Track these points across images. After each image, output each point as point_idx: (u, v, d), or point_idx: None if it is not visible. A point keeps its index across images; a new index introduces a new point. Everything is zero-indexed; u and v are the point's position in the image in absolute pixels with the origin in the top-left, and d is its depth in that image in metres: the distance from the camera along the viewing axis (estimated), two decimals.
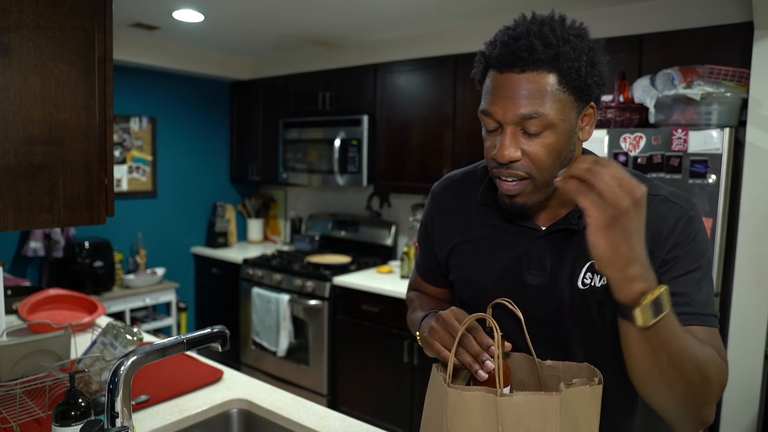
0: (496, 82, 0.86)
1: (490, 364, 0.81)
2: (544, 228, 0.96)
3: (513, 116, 0.83)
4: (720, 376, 0.80)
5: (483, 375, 0.82)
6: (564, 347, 0.96)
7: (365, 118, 3.34)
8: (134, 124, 3.82)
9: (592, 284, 0.92)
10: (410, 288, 1.24)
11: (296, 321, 3.35)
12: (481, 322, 0.87)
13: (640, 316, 0.71)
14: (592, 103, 0.88)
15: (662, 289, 0.72)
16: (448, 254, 1.08)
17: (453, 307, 0.90)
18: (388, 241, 3.63)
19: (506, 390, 0.83)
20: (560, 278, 0.94)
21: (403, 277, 3.16)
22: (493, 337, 0.83)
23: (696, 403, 0.78)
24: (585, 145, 0.99)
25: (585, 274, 0.92)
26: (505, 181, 0.89)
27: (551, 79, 0.82)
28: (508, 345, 0.86)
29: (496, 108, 0.85)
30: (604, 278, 0.91)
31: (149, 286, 3.68)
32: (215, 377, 1.54)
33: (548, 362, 0.91)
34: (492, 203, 0.99)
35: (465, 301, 1.08)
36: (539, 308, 0.95)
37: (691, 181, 2.00)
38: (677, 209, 0.90)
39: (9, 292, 2.37)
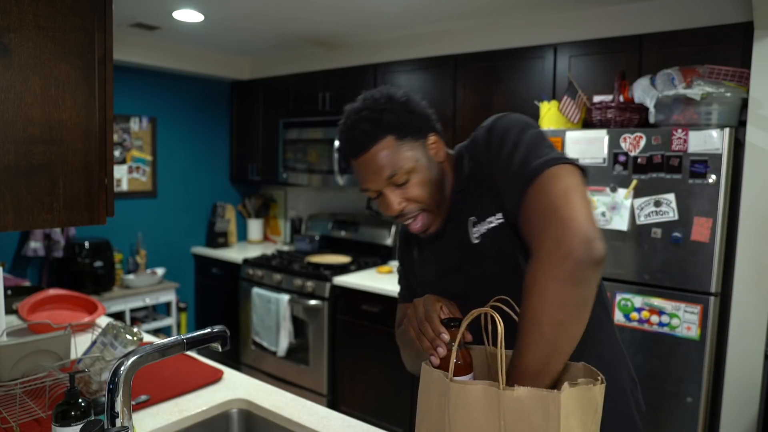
0: (358, 166, 1.03)
1: (441, 350, 0.87)
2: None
3: (381, 182, 1.01)
4: (546, 263, 0.81)
5: (435, 361, 0.87)
6: (502, 299, 0.95)
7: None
8: (134, 124, 3.82)
9: (479, 233, 1.01)
10: (398, 326, 1.24)
11: (296, 321, 3.35)
12: (479, 319, 0.88)
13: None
14: (431, 134, 1.05)
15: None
16: (413, 276, 1.21)
17: (427, 295, 0.97)
18: (388, 241, 3.63)
19: (468, 377, 0.87)
20: (463, 249, 1.04)
21: None
22: (452, 327, 0.88)
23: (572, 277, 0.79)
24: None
25: (472, 230, 1.02)
26: (409, 224, 1.05)
27: (389, 142, 0.99)
28: (468, 336, 0.91)
29: (369, 184, 1.02)
30: (485, 222, 1.00)
31: (149, 286, 3.68)
32: (215, 377, 1.54)
33: None
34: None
35: None
36: (471, 284, 1.03)
37: (691, 181, 2.00)
38: (476, 133, 1.03)
39: (9, 292, 2.37)
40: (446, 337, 0.86)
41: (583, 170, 0.91)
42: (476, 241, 1.01)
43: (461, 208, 1.05)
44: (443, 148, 1.07)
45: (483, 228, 1.00)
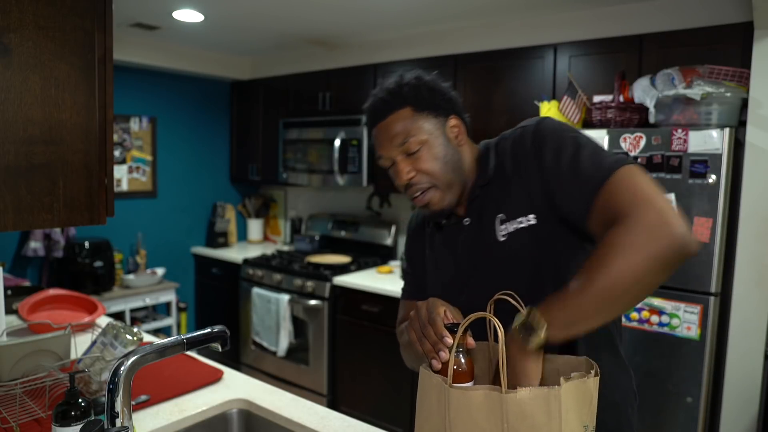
0: (376, 134, 1.09)
1: (443, 355, 0.85)
2: (462, 215, 1.11)
3: (394, 149, 1.05)
4: (641, 234, 0.80)
5: (436, 365, 0.85)
6: (528, 299, 0.97)
7: (365, 118, 3.33)
8: (134, 124, 3.82)
9: (507, 231, 1.01)
10: (399, 323, 1.24)
11: (296, 321, 3.35)
12: (482, 319, 0.87)
13: (538, 340, 0.81)
14: (453, 116, 1.07)
15: (515, 323, 0.84)
16: (422, 273, 1.20)
17: (431, 298, 0.95)
18: (388, 241, 3.63)
19: (469, 385, 0.85)
20: (485, 246, 1.04)
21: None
22: (455, 333, 0.86)
23: (655, 271, 0.80)
24: None
25: (499, 227, 1.02)
26: (416, 197, 1.06)
27: (406, 112, 1.04)
28: (471, 342, 0.89)
29: (382, 150, 1.07)
30: (515, 221, 1.01)
31: (149, 286, 3.68)
32: (215, 377, 1.54)
33: (547, 356, 0.91)
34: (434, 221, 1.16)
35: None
36: (485, 284, 1.01)
37: (691, 181, 2.00)
38: (520, 132, 1.03)
39: (9, 292, 2.37)
40: (449, 341, 0.84)
41: None
42: (502, 239, 1.01)
43: (485, 204, 1.05)
44: (464, 134, 1.09)
45: (511, 227, 1.00)
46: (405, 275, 1.28)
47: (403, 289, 1.27)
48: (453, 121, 1.07)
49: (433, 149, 1.04)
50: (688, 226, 0.80)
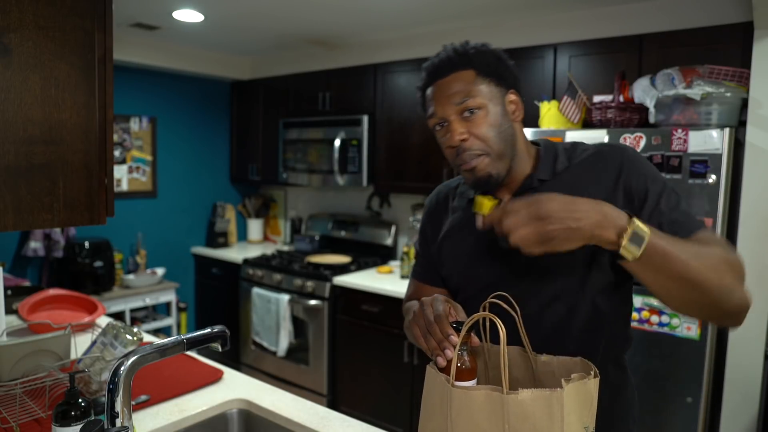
0: (433, 92, 1.05)
1: (449, 353, 0.85)
2: (506, 198, 1.09)
3: (450, 108, 1.02)
4: (731, 263, 0.89)
5: (441, 362, 0.85)
6: (551, 297, 1.02)
7: (365, 118, 3.34)
8: (134, 124, 3.82)
9: None
10: (407, 300, 1.25)
11: (296, 321, 3.35)
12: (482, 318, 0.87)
13: (627, 253, 0.81)
14: (513, 90, 1.06)
15: (634, 222, 0.82)
16: (438, 249, 1.18)
17: (436, 295, 0.94)
18: (388, 241, 3.63)
19: (472, 383, 0.85)
20: None
21: (403, 276, 3.16)
22: (459, 331, 0.86)
23: (720, 298, 0.87)
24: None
25: None
26: (465, 162, 1.03)
27: (469, 74, 1.02)
28: (475, 341, 0.89)
29: (437, 108, 1.04)
30: None
31: (149, 286, 3.68)
32: (215, 377, 1.54)
33: (543, 357, 0.92)
34: (466, 194, 1.15)
35: (454, 288, 1.15)
36: (507, 273, 1.03)
37: (691, 181, 2.00)
38: (609, 150, 1.05)
39: (9, 292, 2.37)
40: (455, 339, 0.84)
41: None
42: None
43: None
44: (521, 113, 1.08)
45: None
46: (417, 256, 1.28)
47: (414, 269, 1.28)
48: (512, 96, 1.06)
49: (490, 116, 1.02)
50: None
